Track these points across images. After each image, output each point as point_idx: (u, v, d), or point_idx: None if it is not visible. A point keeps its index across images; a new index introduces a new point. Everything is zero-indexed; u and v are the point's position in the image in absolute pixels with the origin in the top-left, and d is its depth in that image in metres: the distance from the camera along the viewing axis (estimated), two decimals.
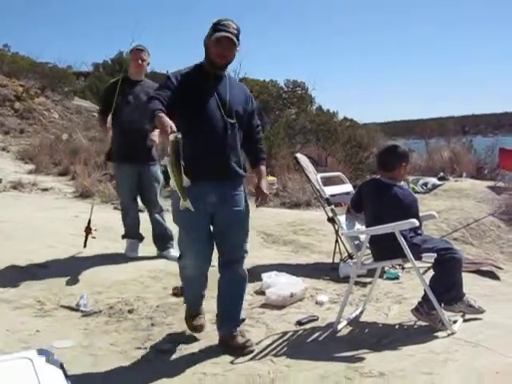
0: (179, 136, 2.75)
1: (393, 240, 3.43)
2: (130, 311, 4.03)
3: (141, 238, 5.46)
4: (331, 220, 4.77)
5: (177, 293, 4.36)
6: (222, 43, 3.15)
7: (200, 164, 3.13)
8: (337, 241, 5.28)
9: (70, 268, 4.83)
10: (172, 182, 2.88)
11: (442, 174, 9.48)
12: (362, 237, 3.82)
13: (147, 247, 5.44)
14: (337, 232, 5.20)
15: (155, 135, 5.03)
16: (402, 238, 3.43)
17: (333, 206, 3.94)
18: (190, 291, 3.55)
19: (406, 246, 3.42)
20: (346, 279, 4.57)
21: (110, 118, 5.04)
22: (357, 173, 9.82)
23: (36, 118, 15.09)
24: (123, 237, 5.44)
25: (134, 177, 5.23)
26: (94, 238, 5.35)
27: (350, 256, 5.06)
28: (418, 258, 3.51)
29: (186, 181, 2.87)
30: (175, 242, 5.33)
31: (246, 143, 3.37)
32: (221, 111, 3.19)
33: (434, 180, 8.93)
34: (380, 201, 3.77)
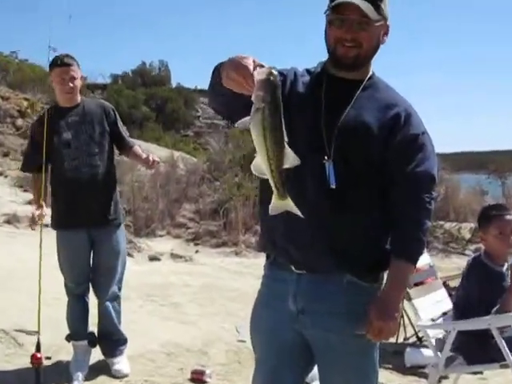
0: (275, 72, 1.72)
1: (485, 336, 2.97)
2: None
3: (93, 342, 4.15)
4: None
5: (196, 378, 3.99)
6: (343, 16, 1.94)
7: (266, 230, 2.22)
8: (402, 316, 4.80)
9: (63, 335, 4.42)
10: (257, 161, 1.76)
11: None
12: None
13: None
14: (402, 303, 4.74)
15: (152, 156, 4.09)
16: (501, 337, 2.94)
17: (407, 289, 3.35)
18: None
19: (508, 351, 2.92)
20: (413, 369, 4.14)
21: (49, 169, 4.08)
22: None
23: None
24: (68, 338, 4.21)
25: (83, 248, 4.09)
26: None
27: (419, 338, 4.61)
28: None
29: (291, 158, 1.74)
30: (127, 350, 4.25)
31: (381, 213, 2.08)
32: (314, 145, 2.01)
33: None
34: (469, 283, 3.33)
